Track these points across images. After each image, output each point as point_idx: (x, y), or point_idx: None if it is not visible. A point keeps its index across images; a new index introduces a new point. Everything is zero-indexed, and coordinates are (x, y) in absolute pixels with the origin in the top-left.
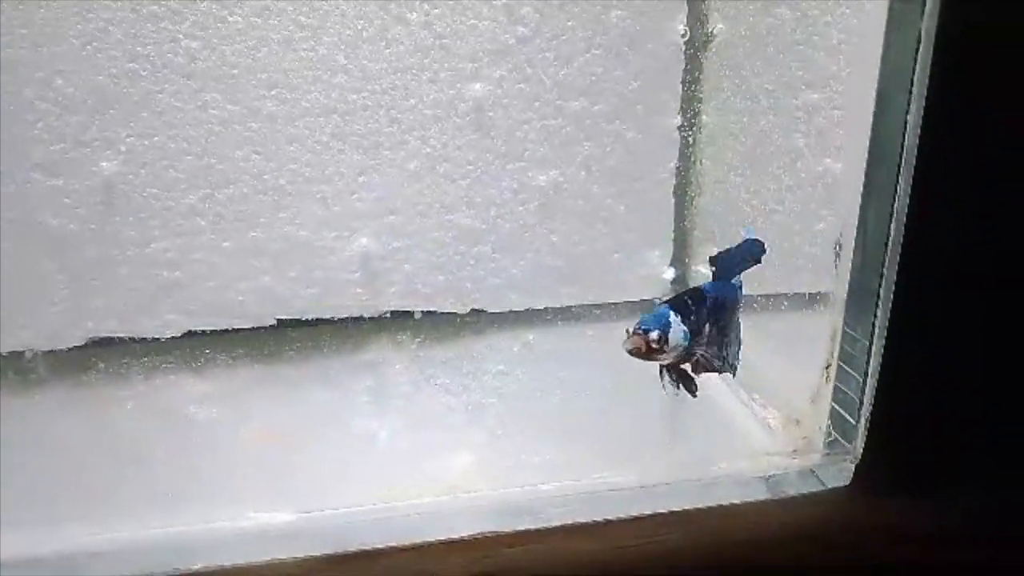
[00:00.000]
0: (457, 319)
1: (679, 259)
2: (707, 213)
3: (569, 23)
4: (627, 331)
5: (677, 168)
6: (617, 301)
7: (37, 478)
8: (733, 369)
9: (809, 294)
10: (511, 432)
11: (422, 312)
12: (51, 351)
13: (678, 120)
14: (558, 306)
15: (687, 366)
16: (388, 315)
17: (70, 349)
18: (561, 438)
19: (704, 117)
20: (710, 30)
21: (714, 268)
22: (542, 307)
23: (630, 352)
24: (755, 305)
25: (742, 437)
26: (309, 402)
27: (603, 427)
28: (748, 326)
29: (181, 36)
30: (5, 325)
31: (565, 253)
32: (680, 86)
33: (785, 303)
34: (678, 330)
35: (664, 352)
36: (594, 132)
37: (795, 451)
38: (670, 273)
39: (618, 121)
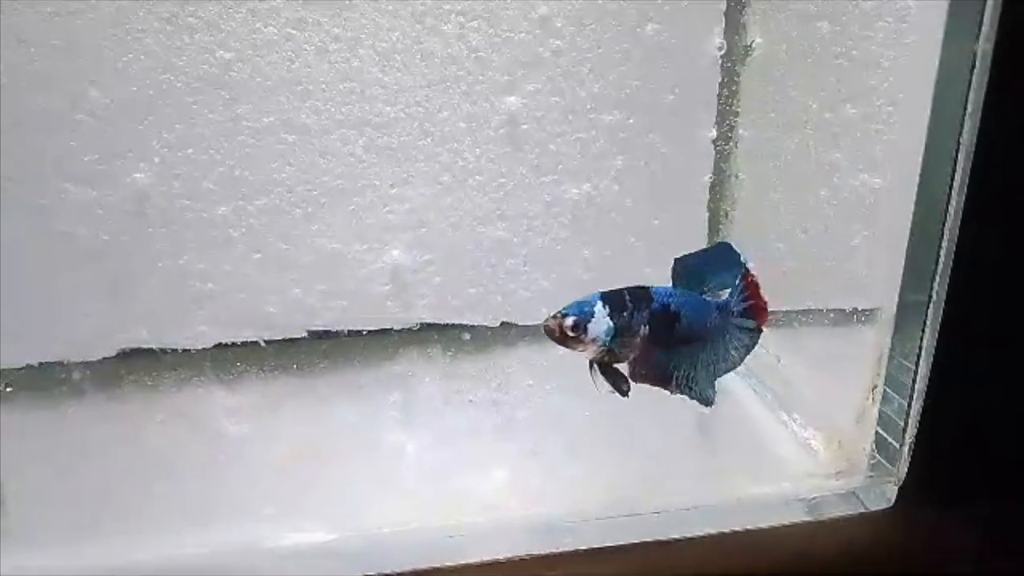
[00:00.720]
0: (487, 332)
1: None
2: (742, 227)
3: (605, 36)
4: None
5: (712, 182)
6: None
7: (69, 492)
8: (694, 394)
9: (846, 311)
10: (543, 449)
11: (462, 327)
12: (82, 362)
13: (713, 133)
14: None
15: (624, 367)
16: (418, 327)
17: (101, 360)
18: (594, 456)
19: (741, 131)
20: (748, 43)
21: (675, 271)
22: None
23: (546, 334)
24: (795, 323)
25: (782, 458)
26: (341, 417)
27: (637, 446)
28: (786, 343)
29: (216, 47)
30: (37, 336)
31: (597, 266)
32: (716, 99)
33: (825, 320)
34: (601, 323)
35: (582, 343)
36: (628, 145)
37: (838, 473)
38: None
39: (652, 134)
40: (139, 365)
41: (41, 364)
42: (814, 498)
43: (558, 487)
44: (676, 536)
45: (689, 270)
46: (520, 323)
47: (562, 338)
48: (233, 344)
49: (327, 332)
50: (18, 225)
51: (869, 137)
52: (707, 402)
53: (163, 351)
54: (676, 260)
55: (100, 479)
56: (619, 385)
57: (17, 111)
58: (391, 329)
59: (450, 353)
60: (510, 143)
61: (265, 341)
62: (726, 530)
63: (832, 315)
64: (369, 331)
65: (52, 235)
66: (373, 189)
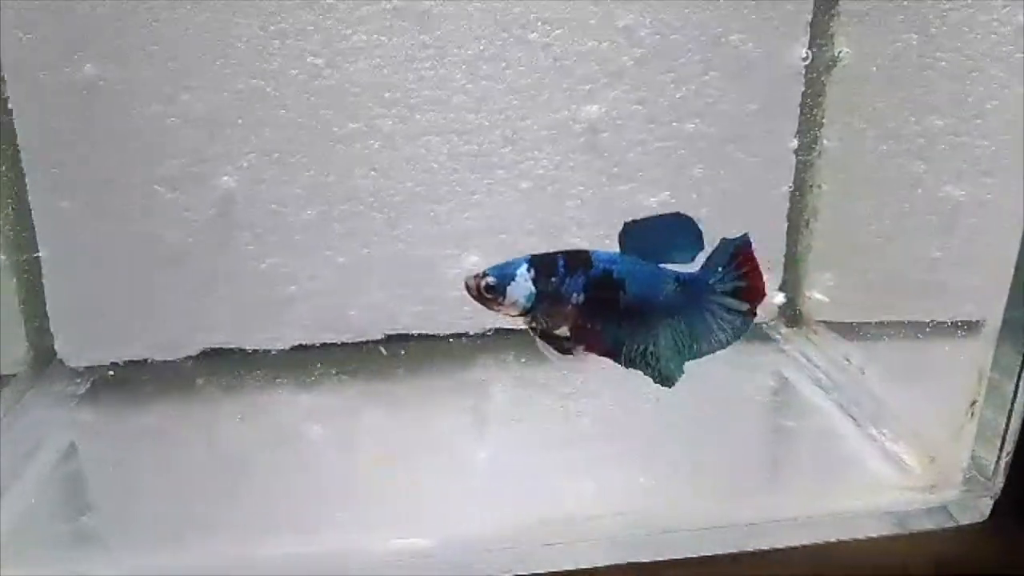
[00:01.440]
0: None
1: (791, 284)
2: (823, 237)
3: (688, 45)
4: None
5: (792, 192)
6: None
7: (150, 492)
8: (651, 371)
9: (928, 323)
10: (623, 459)
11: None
12: (165, 361)
13: (794, 143)
14: None
15: (564, 331)
16: (492, 333)
17: (184, 359)
18: (675, 467)
19: (825, 141)
20: (836, 53)
21: (622, 237)
22: None
23: (466, 291)
24: (885, 337)
25: (871, 471)
26: (421, 422)
27: (718, 457)
28: (873, 356)
29: (306, 54)
30: (122, 335)
31: None
32: (798, 109)
33: (918, 333)
34: (522, 287)
35: (502, 306)
36: (707, 154)
37: (932, 486)
38: (779, 298)
39: (732, 144)
40: (220, 365)
41: (126, 363)
42: (905, 511)
43: (645, 497)
44: (765, 547)
45: (639, 237)
46: None
47: (479, 298)
48: (312, 346)
49: (405, 336)
50: (109, 226)
51: (952, 148)
52: (666, 381)
53: (244, 351)
54: (625, 224)
55: (181, 479)
56: (562, 347)
57: (115, 116)
58: (466, 334)
59: (523, 360)
60: (590, 151)
61: (343, 343)
62: (816, 541)
63: (908, 324)
64: (445, 335)
65: (141, 236)
66: (454, 196)
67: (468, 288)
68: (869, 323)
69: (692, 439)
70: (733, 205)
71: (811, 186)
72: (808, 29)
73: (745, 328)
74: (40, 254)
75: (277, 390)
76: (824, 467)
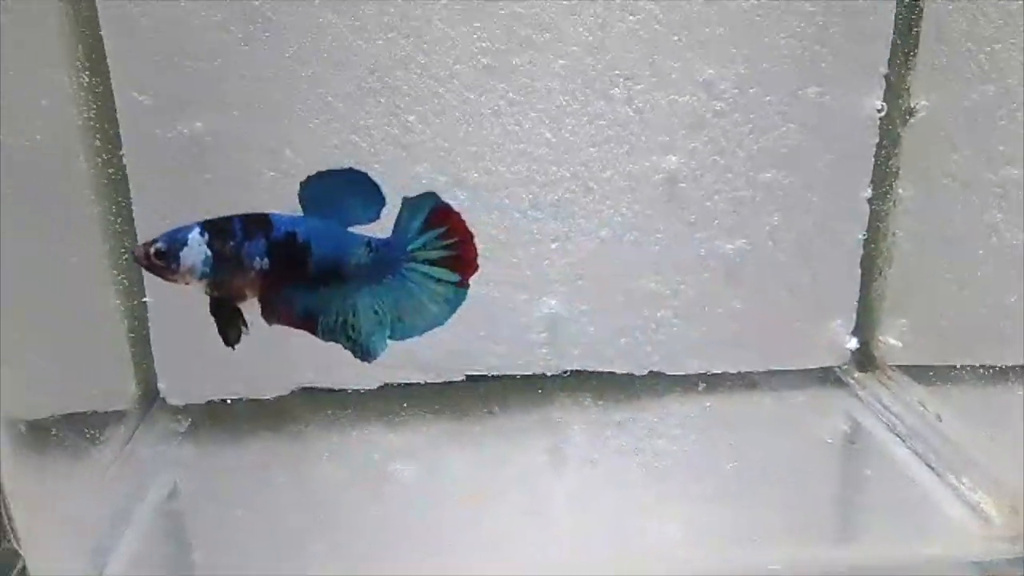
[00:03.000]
0: (636, 381)
1: (864, 329)
2: (897, 283)
3: (766, 98)
4: None
5: (866, 239)
6: (796, 369)
7: (243, 527)
8: (351, 344)
9: (1003, 368)
10: (694, 502)
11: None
12: (256, 400)
13: (869, 192)
14: (736, 371)
15: (252, 305)
16: (568, 375)
17: (277, 398)
18: (749, 511)
19: (900, 190)
20: (912, 105)
21: (301, 196)
22: (720, 371)
23: (135, 262)
24: (961, 383)
25: (950, 520)
26: (501, 461)
27: (791, 503)
28: (942, 401)
29: (399, 110)
30: (220, 375)
31: (746, 319)
32: (873, 159)
33: (1000, 380)
34: (197, 252)
35: (177, 273)
36: (784, 203)
37: (1014, 537)
38: (853, 342)
39: (808, 192)
40: (312, 403)
41: (222, 400)
42: (986, 562)
43: (721, 541)
44: None
45: (318, 192)
46: (668, 373)
47: (151, 267)
48: (398, 385)
49: (485, 376)
50: None
51: None
52: (367, 355)
53: (332, 391)
54: (301, 184)
55: (273, 516)
56: (226, 331)
57: (221, 170)
58: (544, 375)
59: (600, 401)
60: (668, 200)
61: (427, 383)
62: None
63: (979, 369)
64: (523, 377)
65: None
66: (535, 243)
67: (137, 258)
68: (944, 368)
69: (767, 483)
70: (808, 252)
71: (885, 234)
72: (883, 82)
73: (459, 300)
74: (147, 299)
75: (366, 428)
76: (902, 515)
